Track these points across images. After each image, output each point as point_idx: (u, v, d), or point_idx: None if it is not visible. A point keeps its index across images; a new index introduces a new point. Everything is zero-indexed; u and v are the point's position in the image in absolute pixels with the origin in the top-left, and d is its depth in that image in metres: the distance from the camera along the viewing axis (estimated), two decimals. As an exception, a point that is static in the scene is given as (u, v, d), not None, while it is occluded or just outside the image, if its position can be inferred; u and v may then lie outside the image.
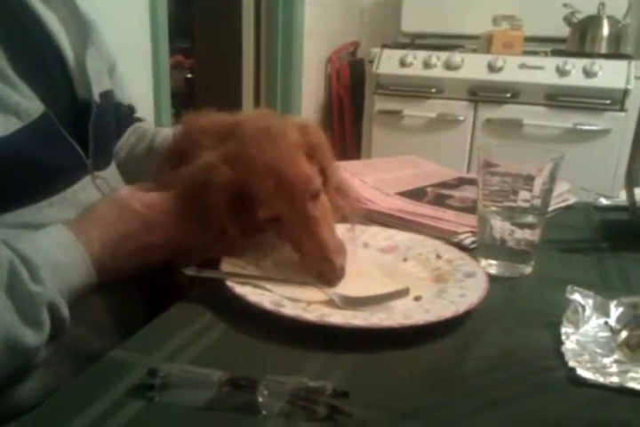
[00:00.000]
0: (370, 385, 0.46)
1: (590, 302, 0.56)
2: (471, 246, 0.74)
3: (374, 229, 0.75)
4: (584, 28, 2.41)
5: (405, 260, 0.69)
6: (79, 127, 0.65)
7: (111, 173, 0.73)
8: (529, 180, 0.65)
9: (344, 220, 0.69)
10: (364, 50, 2.93)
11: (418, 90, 2.39)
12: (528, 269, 0.69)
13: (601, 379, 0.47)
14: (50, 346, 0.52)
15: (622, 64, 2.17)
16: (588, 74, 2.18)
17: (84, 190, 0.64)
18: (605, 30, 2.38)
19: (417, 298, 0.59)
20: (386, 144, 2.46)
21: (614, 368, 0.48)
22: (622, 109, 2.17)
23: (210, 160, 0.60)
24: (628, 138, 2.20)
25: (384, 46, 2.48)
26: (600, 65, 2.17)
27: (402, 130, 2.45)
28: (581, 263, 0.74)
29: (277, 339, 0.51)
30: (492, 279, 0.61)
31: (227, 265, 0.61)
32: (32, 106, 0.57)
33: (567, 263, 0.74)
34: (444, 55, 2.36)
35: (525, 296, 0.65)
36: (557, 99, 2.23)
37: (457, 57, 2.34)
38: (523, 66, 2.26)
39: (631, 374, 0.47)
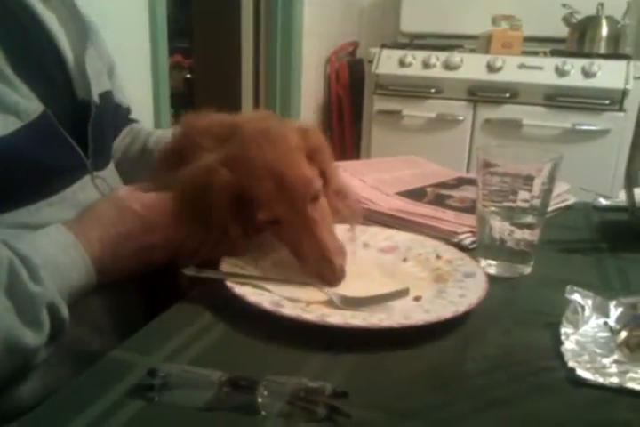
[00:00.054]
0: (369, 385, 0.46)
1: (590, 302, 0.56)
2: (471, 247, 0.74)
3: (374, 230, 0.75)
4: (583, 29, 2.42)
5: (405, 260, 0.69)
6: (78, 127, 0.64)
7: (110, 173, 0.73)
8: (528, 180, 0.65)
9: (344, 222, 0.69)
10: (363, 50, 2.93)
11: (417, 90, 2.39)
12: (527, 270, 0.69)
13: (600, 379, 0.47)
14: (49, 346, 0.52)
15: (621, 64, 2.18)
16: (587, 74, 2.18)
17: (84, 190, 0.64)
18: (604, 30, 2.38)
19: (417, 298, 0.59)
20: (385, 144, 2.46)
21: (614, 369, 0.48)
22: (621, 110, 2.17)
23: (210, 162, 0.60)
24: (627, 138, 2.20)
25: (383, 46, 2.48)
26: (599, 65, 2.17)
27: (401, 130, 2.45)
28: (581, 264, 0.74)
29: (277, 339, 0.51)
30: (492, 279, 0.61)
31: (226, 265, 0.61)
32: (31, 106, 0.57)
33: (566, 264, 0.74)
34: (443, 55, 2.36)
35: (525, 296, 0.65)
36: (556, 99, 2.23)
37: (456, 57, 2.34)
38: (522, 66, 2.26)
39: (631, 375, 0.47)
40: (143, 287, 0.68)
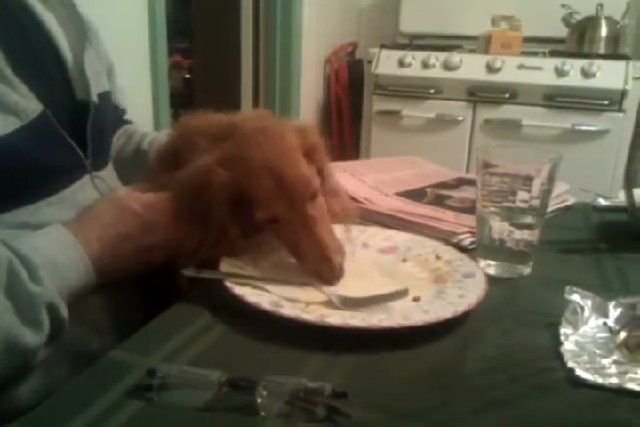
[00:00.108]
0: (369, 386, 0.46)
1: (589, 302, 0.56)
2: (470, 247, 0.74)
3: (373, 230, 0.75)
4: (582, 29, 2.42)
5: (404, 260, 0.69)
6: (77, 127, 0.64)
7: (109, 172, 0.73)
8: (528, 180, 0.65)
9: (338, 222, 0.69)
10: (362, 50, 2.93)
11: (416, 90, 2.39)
12: (527, 270, 0.69)
13: (600, 380, 0.47)
14: (49, 346, 0.52)
15: (620, 65, 2.18)
16: (587, 74, 2.18)
17: (83, 190, 0.64)
18: (604, 31, 2.38)
19: (416, 299, 0.59)
20: (385, 144, 2.47)
21: (613, 369, 0.48)
22: (620, 110, 2.17)
23: (208, 162, 0.60)
24: (627, 138, 2.21)
25: (382, 47, 2.48)
26: (598, 66, 2.17)
27: (400, 130, 2.45)
28: (580, 264, 0.74)
29: (276, 340, 0.51)
30: (491, 280, 0.61)
31: (225, 266, 0.61)
32: (30, 105, 0.57)
33: (566, 264, 0.74)
34: (442, 56, 2.36)
35: (524, 297, 0.65)
36: (556, 99, 2.23)
37: (455, 57, 2.34)
38: (521, 66, 2.26)
39: (630, 375, 0.47)
40: (142, 287, 0.68)
